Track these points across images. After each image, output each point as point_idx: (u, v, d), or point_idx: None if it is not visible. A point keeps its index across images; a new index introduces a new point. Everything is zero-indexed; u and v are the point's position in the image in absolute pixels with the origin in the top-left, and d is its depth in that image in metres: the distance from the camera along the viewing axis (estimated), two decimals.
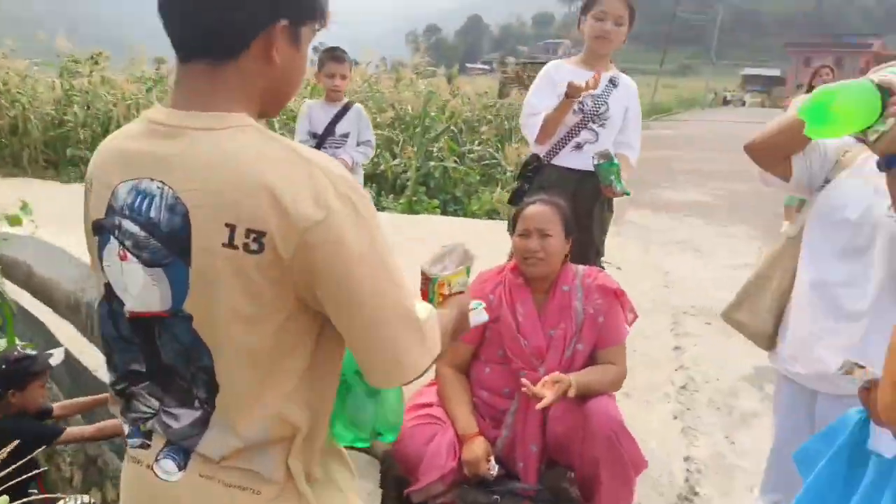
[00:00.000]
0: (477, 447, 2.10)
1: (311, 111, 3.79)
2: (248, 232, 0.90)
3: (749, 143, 1.75)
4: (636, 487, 2.13)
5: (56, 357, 2.72)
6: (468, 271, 1.30)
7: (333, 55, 3.69)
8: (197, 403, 1.01)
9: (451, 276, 1.24)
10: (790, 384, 1.81)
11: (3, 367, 2.60)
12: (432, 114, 10.35)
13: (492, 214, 7.80)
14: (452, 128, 10.34)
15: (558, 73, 2.79)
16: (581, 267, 2.27)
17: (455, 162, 9.36)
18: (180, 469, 1.04)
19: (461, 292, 1.27)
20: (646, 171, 11.69)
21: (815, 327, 1.69)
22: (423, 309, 1.05)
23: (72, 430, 2.63)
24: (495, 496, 2.05)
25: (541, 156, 2.79)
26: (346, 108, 3.77)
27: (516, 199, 2.79)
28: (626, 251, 5.23)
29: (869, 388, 1.14)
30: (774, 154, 1.71)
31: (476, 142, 10.68)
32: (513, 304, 2.18)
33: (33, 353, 2.69)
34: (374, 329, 0.96)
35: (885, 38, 68.78)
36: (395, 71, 16.04)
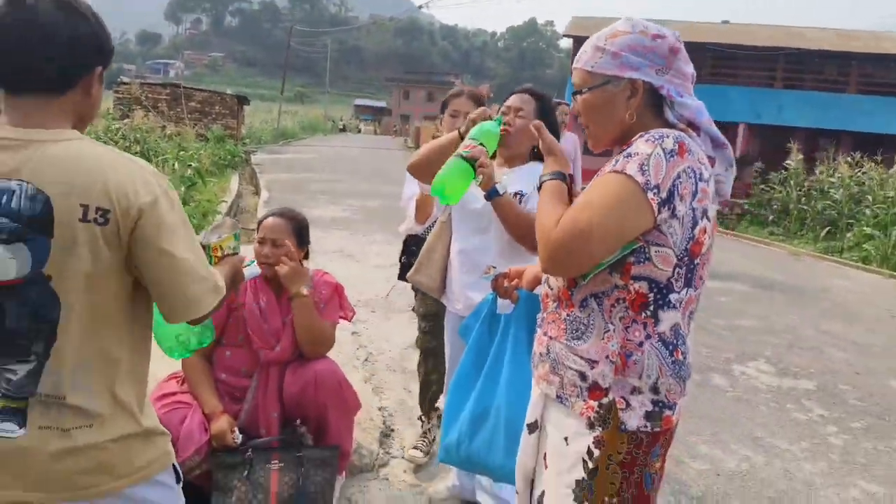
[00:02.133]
0: (223, 422, 2.43)
1: None
2: (98, 209, 1.25)
3: (410, 164, 2.47)
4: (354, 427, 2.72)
5: None
6: (236, 237, 1.70)
7: None
8: (32, 357, 1.28)
9: (222, 242, 1.65)
10: (453, 316, 2.60)
11: None
12: None
13: None
14: None
15: None
16: (312, 269, 2.73)
17: None
18: (21, 427, 1.29)
19: (235, 254, 1.67)
20: (288, 192, 12.44)
21: (464, 278, 2.50)
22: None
23: None
24: (248, 453, 2.42)
25: (422, 234, 2.90)
26: None
27: (402, 273, 3.03)
28: None
29: (497, 279, 1.95)
30: (428, 170, 2.39)
31: None
32: (256, 294, 2.56)
33: None
34: (179, 280, 1.34)
35: (462, 76, 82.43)
36: None
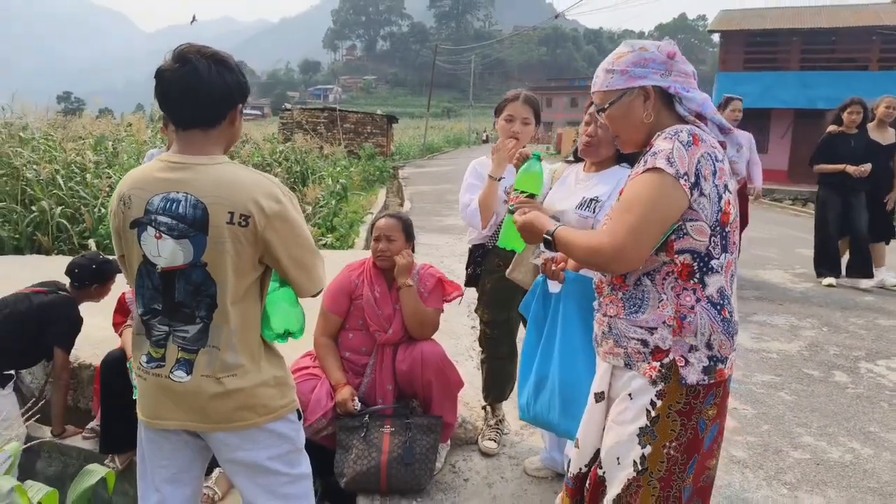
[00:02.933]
0: (345, 392, 2.90)
1: None
2: (241, 216, 1.71)
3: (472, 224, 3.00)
4: (458, 404, 3.09)
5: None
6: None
7: None
8: (198, 320, 1.76)
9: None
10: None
11: (96, 265, 3.42)
12: None
13: None
14: None
15: (483, 168, 3.05)
16: (419, 263, 3.16)
17: None
18: (188, 374, 1.78)
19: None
20: (428, 202, 13.16)
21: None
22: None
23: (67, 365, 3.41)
24: (365, 418, 2.87)
25: (486, 243, 3.09)
26: None
27: (471, 282, 3.18)
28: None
29: (545, 262, 2.25)
30: (486, 216, 2.96)
31: None
32: (371, 285, 3.02)
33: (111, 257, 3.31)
34: (306, 262, 1.81)
35: None
36: (159, 120, 15.88)
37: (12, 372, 3.26)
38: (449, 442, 3.10)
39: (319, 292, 1.88)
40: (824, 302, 6.12)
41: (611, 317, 1.73)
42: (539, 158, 2.36)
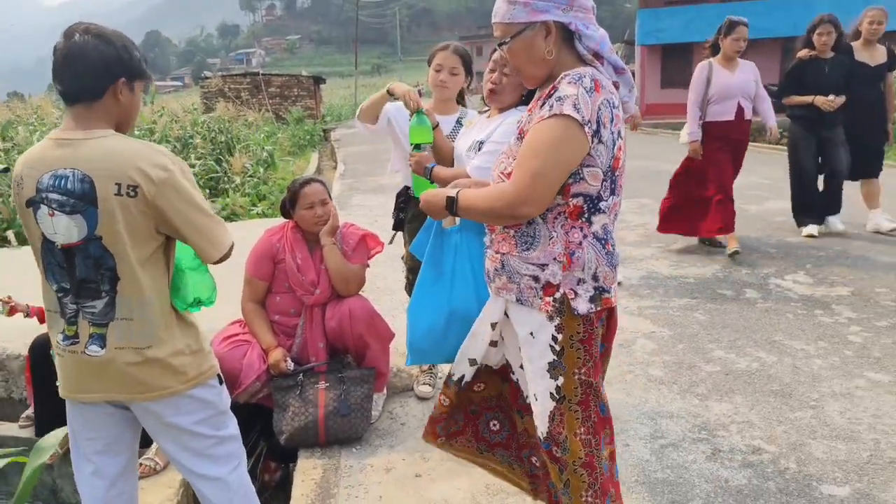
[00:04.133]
0: (277, 353, 2.97)
1: None
2: (128, 186, 1.74)
3: (358, 116, 3.07)
4: (392, 353, 3.21)
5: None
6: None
7: None
8: (104, 294, 1.80)
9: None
10: None
11: None
12: (137, 134, 10.38)
13: (232, 218, 8.38)
14: (169, 146, 10.52)
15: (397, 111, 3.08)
16: (342, 222, 3.18)
17: None
18: (102, 348, 1.83)
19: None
20: (362, 162, 13.07)
21: None
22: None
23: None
24: (299, 376, 2.95)
25: (409, 188, 3.20)
26: None
27: (397, 226, 3.31)
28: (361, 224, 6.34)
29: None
30: (368, 117, 3.06)
31: (194, 157, 10.96)
32: (293, 251, 3.06)
33: None
34: (203, 226, 1.84)
35: None
36: None
37: None
38: (385, 391, 3.23)
39: (224, 257, 1.89)
40: (740, 226, 6.45)
41: (503, 254, 1.79)
42: (422, 113, 2.60)
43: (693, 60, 21.34)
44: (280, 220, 3.25)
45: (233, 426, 2.06)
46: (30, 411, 3.43)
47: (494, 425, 2.11)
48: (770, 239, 5.92)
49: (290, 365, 2.98)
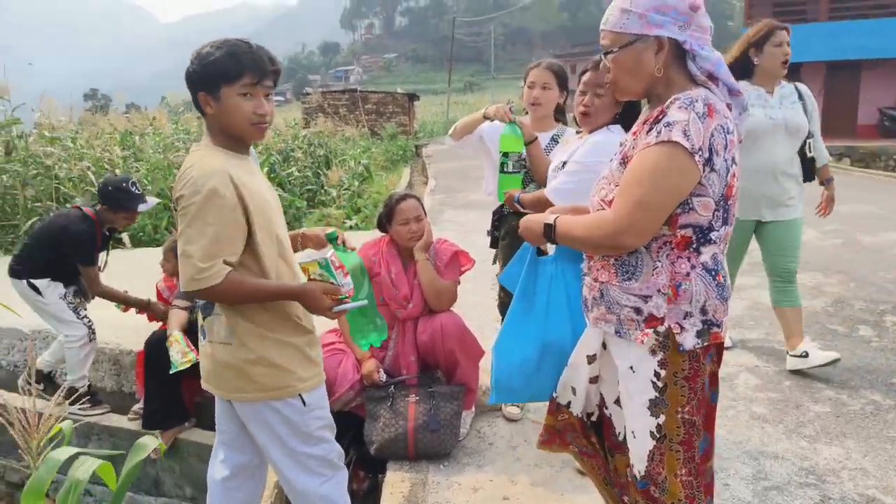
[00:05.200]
0: (371, 364, 3.03)
1: None
2: (175, 198, 1.87)
3: (451, 134, 3.21)
4: (480, 372, 3.20)
5: (150, 203, 3.68)
6: (320, 265, 1.92)
7: None
8: None
9: (308, 265, 1.94)
10: None
11: (124, 184, 3.60)
12: None
13: None
14: (271, 158, 11.00)
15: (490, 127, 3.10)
16: (435, 238, 3.22)
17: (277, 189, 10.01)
18: (204, 338, 1.98)
19: (321, 280, 1.94)
20: (453, 179, 13.20)
21: None
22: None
23: (106, 287, 3.64)
24: (390, 388, 2.99)
25: (503, 207, 3.15)
26: None
27: (493, 244, 3.28)
28: (451, 240, 6.40)
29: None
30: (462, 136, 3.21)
31: (295, 169, 11.41)
32: (388, 265, 3.13)
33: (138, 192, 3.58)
34: (184, 251, 1.83)
35: None
36: (183, 111, 16.09)
37: (45, 280, 3.55)
38: (474, 408, 3.22)
39: (190, 292, 1.83)
40: (853, 258, 6.05)
41: (602, 282, 1.71)
42: (514, 123, 2.81)
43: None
44: (375, 234, 3.32)
45: (319, 449, 2.09)
46: (138, 406, 3.65)
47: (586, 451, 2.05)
48: (887, 273, 5.51)
49: (383, 376, 3.02)
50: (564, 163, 2.49)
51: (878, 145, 16.72)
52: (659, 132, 1.53)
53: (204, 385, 2.03)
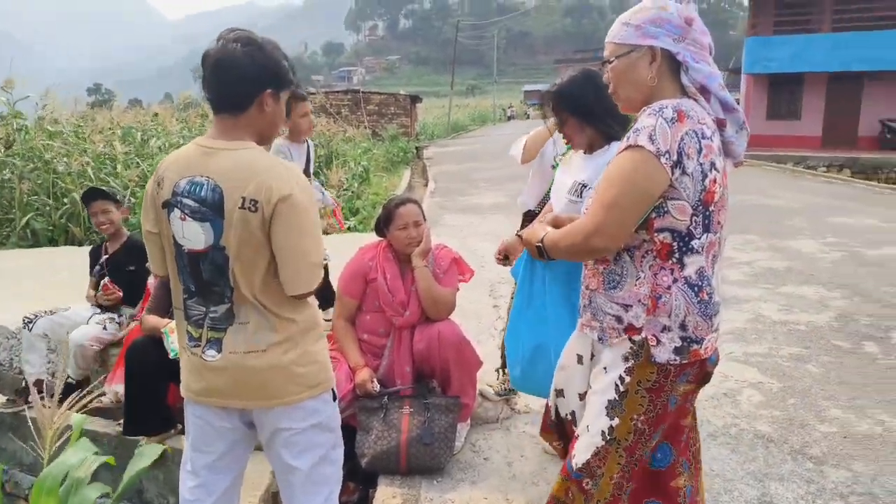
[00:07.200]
0: (364, 374, 2.93)
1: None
2: (251, 201, 1.71)
3: (523, 161, 3.13)
4: (478, 382, 3.10)
5: None
6: None
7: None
8: (226, 300, 1.80)
9: None
10: None
11: None
12: None
13: (327, 229, 8.54)
14: None
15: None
16: (434, 244, 3.14)
17: None
18: (218, 353, 1.82)
19: None
20: (453, 181, 13.13)
21: None
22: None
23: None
24: (384, 399, 2.89)
25: (536, 210, 3.17)
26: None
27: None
28: (449, 244, 6.32)
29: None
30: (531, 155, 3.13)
31: None
32: (384, 271, 3.03)
33: None
34: (296, 259, 1.76)
35: None
36: (186, 108, 15.93)
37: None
38: (469, 421, 3.12)
39: (302, 296, 1.80)
40: (856, 272, 5.97)
41: (591, 290, 1.77)
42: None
43: (803, 91, 20.54)
44: (373, 237, 3.23)
45: (339, 453, 2.02)
46: (118, 388, 3.49)
47: None
48: (891, 287, 5.42)
49: (377, 386, 2.92)
50: (583, 185, 2.34)
51: (880, 157, 16.72)
52: (628, 138, 1.60)
53: (222, 402, 1.87)
